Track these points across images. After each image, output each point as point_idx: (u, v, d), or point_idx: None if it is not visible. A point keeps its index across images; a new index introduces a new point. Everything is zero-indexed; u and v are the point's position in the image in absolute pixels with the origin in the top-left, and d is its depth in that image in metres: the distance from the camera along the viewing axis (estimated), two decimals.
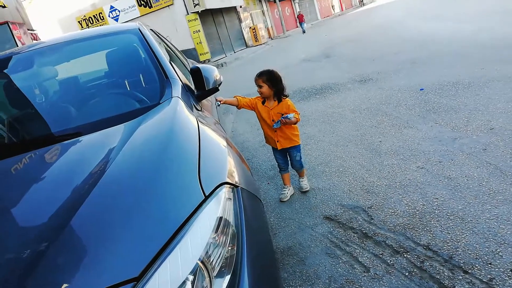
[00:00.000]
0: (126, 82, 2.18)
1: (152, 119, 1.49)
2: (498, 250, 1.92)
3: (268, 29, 29.56)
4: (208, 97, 2.70)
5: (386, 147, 3.52)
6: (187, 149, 1.25)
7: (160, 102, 1.69)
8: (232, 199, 1.12)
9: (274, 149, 3.02)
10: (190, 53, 19.13)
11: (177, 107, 1.56)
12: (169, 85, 1.86)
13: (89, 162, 1.23)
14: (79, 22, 22.16)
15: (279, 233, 2.61)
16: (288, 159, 3.06)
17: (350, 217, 2.57)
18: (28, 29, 11.43)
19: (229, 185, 1.16)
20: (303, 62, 10.98)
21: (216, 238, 0.97)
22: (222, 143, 1.49)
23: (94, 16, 21.85)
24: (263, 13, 29.89)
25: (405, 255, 2.07)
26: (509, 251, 1.89)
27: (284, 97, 2.82)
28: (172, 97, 1.69)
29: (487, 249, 1.95)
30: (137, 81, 2.12)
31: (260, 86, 2.77)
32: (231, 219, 1.05)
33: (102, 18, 21.80)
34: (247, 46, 25.44)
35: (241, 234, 1.04)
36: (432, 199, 2.52)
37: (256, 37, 25.18)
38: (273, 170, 3.68)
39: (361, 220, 2.50)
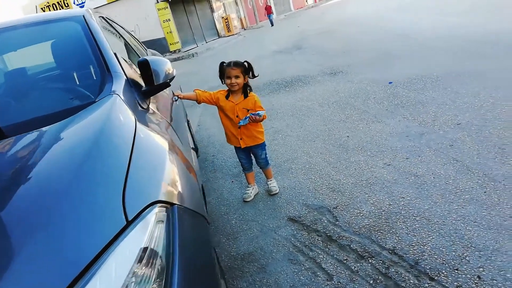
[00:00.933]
0: (60, 76, 1.92)
1: (81, 122, 1.27)
2: (465, 255, 1.84)
3: (241, 19, 29.16)
4: (166, 93, 2.47)
5: (354, 143, 3.42)
6: (114, 160, 1.04)
7: (96, 100, 1.48)
8: (164, 222, 0.93)
9: (237, 148, 2.84)
10: (160, 43, 18.55)
11: (112, 107, 1.35)
12: (110, 80, 1.65)
13: None
14: (42, 9, 21.04)
15: (240, 237, 2.46)
16: (252, 158, 2.89)
17: (314, 218, 2.44)
18: None
19: (163, 204, 0.98)
20: (274, 53, 10.79)
21: (139, 273, 0.79)
22: (164, 149, 1.30)
23: (58, 2, 20.79)
24: (236, 3, 29.40)
25: (370, 261, 1.96)
26: (475, 255, 1.81)
27: (250, 91, 2.65)
28: (110, 94, 1.48)
29: (453, 253, 1.86)
30: (73, 75, 1.86)
31: (236, 77, 2.53)
32: (160, 248, 0.86)
33: (66, 5, 20.76)
34: (219, 36, 24.97)
35: (171, 266, 0.86)
36: (398, 198, 2.43)
37: (228, 27, 24.73)
38: (238, 167, 3.51)
39: (325, 221, 2.38)
